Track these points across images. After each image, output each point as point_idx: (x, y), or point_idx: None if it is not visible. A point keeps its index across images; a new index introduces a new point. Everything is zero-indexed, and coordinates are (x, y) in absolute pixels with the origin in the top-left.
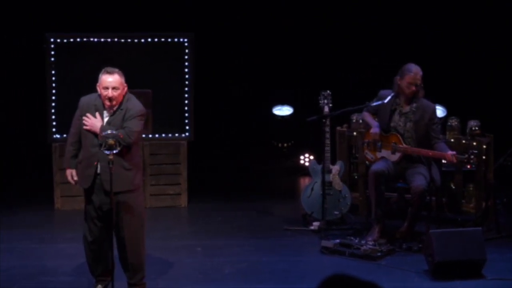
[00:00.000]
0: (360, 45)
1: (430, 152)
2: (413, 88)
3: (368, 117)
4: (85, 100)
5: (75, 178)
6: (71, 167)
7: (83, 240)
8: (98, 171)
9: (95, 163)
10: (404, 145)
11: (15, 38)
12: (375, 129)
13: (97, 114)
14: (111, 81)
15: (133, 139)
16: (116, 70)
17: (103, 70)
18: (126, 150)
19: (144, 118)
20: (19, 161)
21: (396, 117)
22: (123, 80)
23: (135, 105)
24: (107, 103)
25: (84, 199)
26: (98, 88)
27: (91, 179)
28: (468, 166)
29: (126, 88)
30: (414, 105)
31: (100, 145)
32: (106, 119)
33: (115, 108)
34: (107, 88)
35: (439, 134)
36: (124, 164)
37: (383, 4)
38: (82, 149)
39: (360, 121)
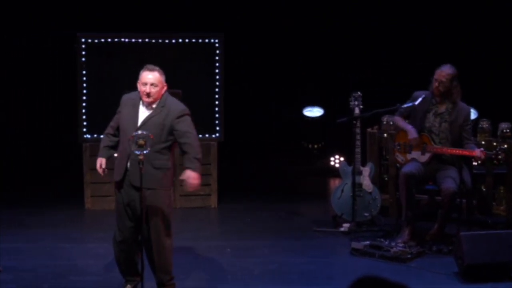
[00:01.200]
0: (391, 46)
1: (459, 150)
2: (436, 84)
3: (400, 121)
4: (125, 96)
5: (103, 167)
6: (102, 156)
7: (113, 240)
8: (128, 165)
9: (127, 157)
10: (434, 145)
11: (47, 38)
12: (413, 134)
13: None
14: (150, 77)
15: (197, 143)
16: (157, 68)
17: (144, 66)
18: (155, 150)
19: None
20: (50, 161)
21: (431, 117)
22: (163, 78)
23: (178, 104)
24: (145, 98)
25: (115, 199)
26: (138, 85)
27: (122, 172)
28: (496, 162)
29: (165, 87)
30: (450, 105)
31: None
32: (144, 114)
33: (154, 105)
34: (145, 84)
35: (471, 136)
36: (153, 163)
37: (416, 6)
38: (120, 144)
39: (391, 122)
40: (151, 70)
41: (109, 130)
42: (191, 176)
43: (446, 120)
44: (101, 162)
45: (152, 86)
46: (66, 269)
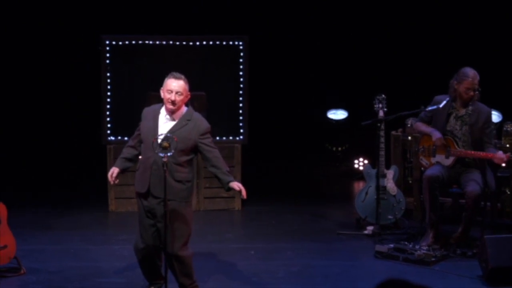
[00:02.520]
0: (415, 48)
1: (482, 153)
2: (471, 93)
3: (422, 126)
4: (146, 109)
5: (114, 175)
6: (117, 166)
7: (134, 247)
8: (151, 176)
9: (150, 168)
10: (458, 148)
11: (71, 40)
12: (437, 135)
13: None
14: (175, 85)
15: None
16: (183, 76)
17: (169, 74)
18: (177, 162)
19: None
20: (75, 162)
21: (452, 121)
22: (187, 87)
23: (203, 121)
24: (169, 106)
25: (138, 205)
26: (161, 92)
27: (147, 182)
28: None
29: (189, 96)
30: (470, 108)
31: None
32: (166, 125)
33: (177, 117)
34: (171, 91)
35: (492, 139)
36: (174, 175)
37: (436, 8)
38: (142, 155)
39: (412, 125)
40: (177, 78)
41: (130, 142)
42: (238, 185)
43: (467, 122)
44: (113, 171)
45: (177, 94)
46: (90, 270)
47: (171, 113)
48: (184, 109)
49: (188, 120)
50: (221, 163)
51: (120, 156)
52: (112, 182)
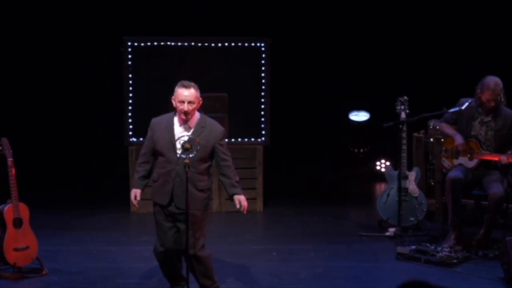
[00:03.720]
0: (438, 49)
1: (510, 158)
2: (493, 104)
3: (446, 128)
4: (155, 120)
5: (138, 199)
6: (137, 187)
7: (154, 251)
8: (174, 189)
9: (172, 180)
10: (482, 151)
11: (93, 41)
12: (459, 140)
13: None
14: (187, 95)
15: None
16: (192, 84)
17: (179, 83)
18: (198, 172)
19: None
20: (97, 163)
21: (477, 126)
22: (198, 94)
23: (217, 124)
24: (183, 117)
25: (154, 210)
26: (173, 101)
27: (169, 195)
28: None
29: (201, 102)
30: (495, 114)
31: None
32: (182, 134)
33: (192, 125)
34: (183, 102)
35: None
36: (196, 184)
37: (461, 8)
38: (157, 167)
39: (437, 127)
40: (187, 87)
41: (142, 158)
42: (242, 199)
43: (492, 128)
44: (135, 193)
45: (189, 104)
46: (112, 272)
47: (185, 121)
48: (197, 115)
49: (203, 126)
50: (231, 172)
51: (136, 176)
52: (137, 205)
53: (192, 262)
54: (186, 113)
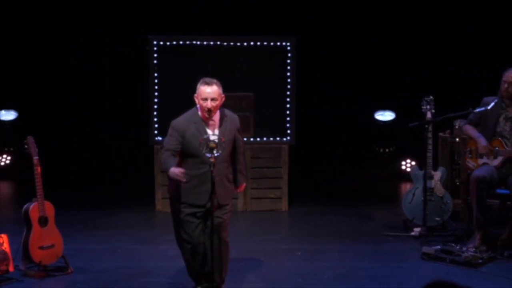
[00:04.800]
0: (463, 49)
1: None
2: (505, 86)
3: (470, 130)
4: (180, 122)
5: (182, 171)
6: (174, 165)
7: (181, 248)
8: (215, 188)
9: (210, 180)
10: (507, 148)
11: (119, 40)
12: (483, 143)
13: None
14: (209, 92)
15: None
16: (214, 80)
17: (201, 80)
18: (228, 165)
19: None
20: (122, 162)
21: (502, 121)
22: (221, 90)
23: (233, 114)
24: (206, 114)
25: (179, 209)
26: (196, 99)
27: (207, 194)
28: None
29: (224, 99)
30: None
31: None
32: (215, 133)
33: (217, 120)
34: (206, 99)
35: None
36: (228, 176)
37: (487, 9)
38: (187, 168)
39: (460, 126)
40: (210, 84)
41: (168, 153)
42: (242, 188)
43: None
44: (179, 169)
45: (212, 101)
46: (137, 270)
47: (209, 119)
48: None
49: (226, 120)
50: (243, 164)
51: (167, 160)
52: (183, 175)
53: (221, 248)
54: (209, 110)
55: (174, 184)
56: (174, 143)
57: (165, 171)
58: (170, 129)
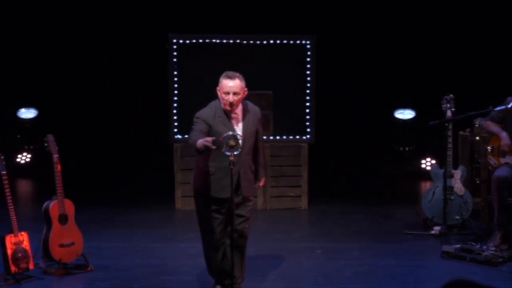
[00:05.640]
0: (484, 47)
1: None
2: None
3: (492, 126)
4: (205, 113)
5: (210, 138)
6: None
7: (205, 245)
8: (240, 181)
9: (237, 174)
10: None
11: (138, 38)
12: (506, 140)
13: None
14: (232, 86)
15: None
16: (237, 74)
17: (224, 74)
18: (251, 157)
19: None
20: (142, 161)
21: None
22: (243, 84)
23: (254, 105)
24: (228, 108)
25: (203, 203)
26: (218, 92)
27: (229, 188)
28: None
29: (246, 92)
30: None
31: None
32: (238, 126)
33: (240, 113)
34: (228, 93)
35: None
36: (252, 168)
37: (507, 8)
38: (212, 160)
39: (483, 125)
40: (232, 77)
41: (197, 132)
42: (263, 182)
43: None
44: (206, 139)
45: (234, 95)
46: (157, 268)
47: (231, 111)
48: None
49: (249, 113)
50: (262, 156)
51: (196, 138)
52: (212, 142)
53: (243, 243)
54: (231, 104)
55: (199, 177)
56: (202, 126)
57: (193, 146)
58: (195, 119)
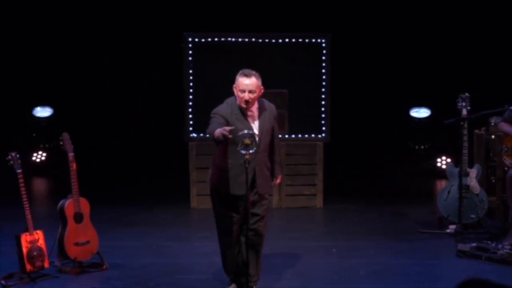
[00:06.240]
0: (500, 46)
1: None
2: None
3: (505, 127)
4: (222, 110)
5: (228, 128)
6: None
7: (221, 244)
8: (256, 178)
9: (253, 171)
10: None
11: (154, 37)
12: None
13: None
14: (248, 83)
15: None
16: (253, 72)
17: (240, 71)
18: (266, 154)
19: None
20: (157, 159)
21: None
22: (259, 82)
23: (269, 103)
24: (243, 105)
25: (219, 202)
26: (234, 90)
27: (248, 184)
28: None
29: (262, 91)
30: None
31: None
32: (254, 124)
33: (256, 111)
34: (243, 91)
35: None
36: (268, 165)
37: None
38: (230, 157)
39: (496, 124)
40: (248, 75)
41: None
42: (279, 179)
43: None
44: (223, 128)
45: (250, 93)
46: (172, 267)
47: (247, 109)
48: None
49: (265, 110)
50: (278, 154)
51: (214, 127)
52: (228, 132)
53: (259, 241)
54: (246, 102)
55: (215, 175)
56: (220, 120)
57: (211, 135)
58: (212, 115)
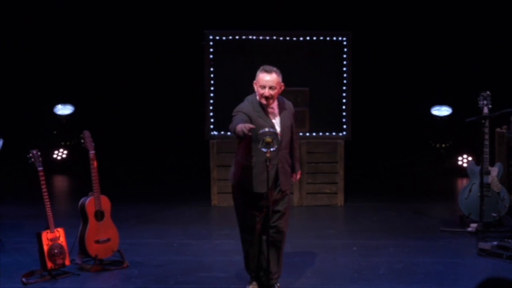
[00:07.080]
0: None
1: None
2: None
3: None
4: (245, 108)
5: (250, 126)
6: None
7: (243, 242)
8: (279, 175)
9: (275, 168)
10: None
11: (174, 35)
12: None
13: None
14: (268, 80)
15: None
16: (274, 69)
17: (261, 68)
18: (287, 152)
19: None
20: (178, 157)
21: None
22: (280, 79)
23: (287, 101)
24: (264, 101)
25: (242, 198)
26: (254, 86)
27: (268, 183)
28: None
29: (283, 87)
30: None
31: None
32: (276, 121)
33: (277, 109)
34: (264, 87)
35: None
36: (288, 160)
37: None
38: (253, 154)
39: None
40: (269, 71)
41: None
42: (299, 175)
43: None
44: (245, 124)
45: (270, 89)
46: (193, 265)
47: (268, 105)
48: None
49: (285, 107)
50: (297, 151)
51: (237, 122)
52: (249, 130)
53: (280, 238)
54: (267, 98)
55: (238, 173)
56: (243, 117)
57: (233, 130)
58: (235, 113)
